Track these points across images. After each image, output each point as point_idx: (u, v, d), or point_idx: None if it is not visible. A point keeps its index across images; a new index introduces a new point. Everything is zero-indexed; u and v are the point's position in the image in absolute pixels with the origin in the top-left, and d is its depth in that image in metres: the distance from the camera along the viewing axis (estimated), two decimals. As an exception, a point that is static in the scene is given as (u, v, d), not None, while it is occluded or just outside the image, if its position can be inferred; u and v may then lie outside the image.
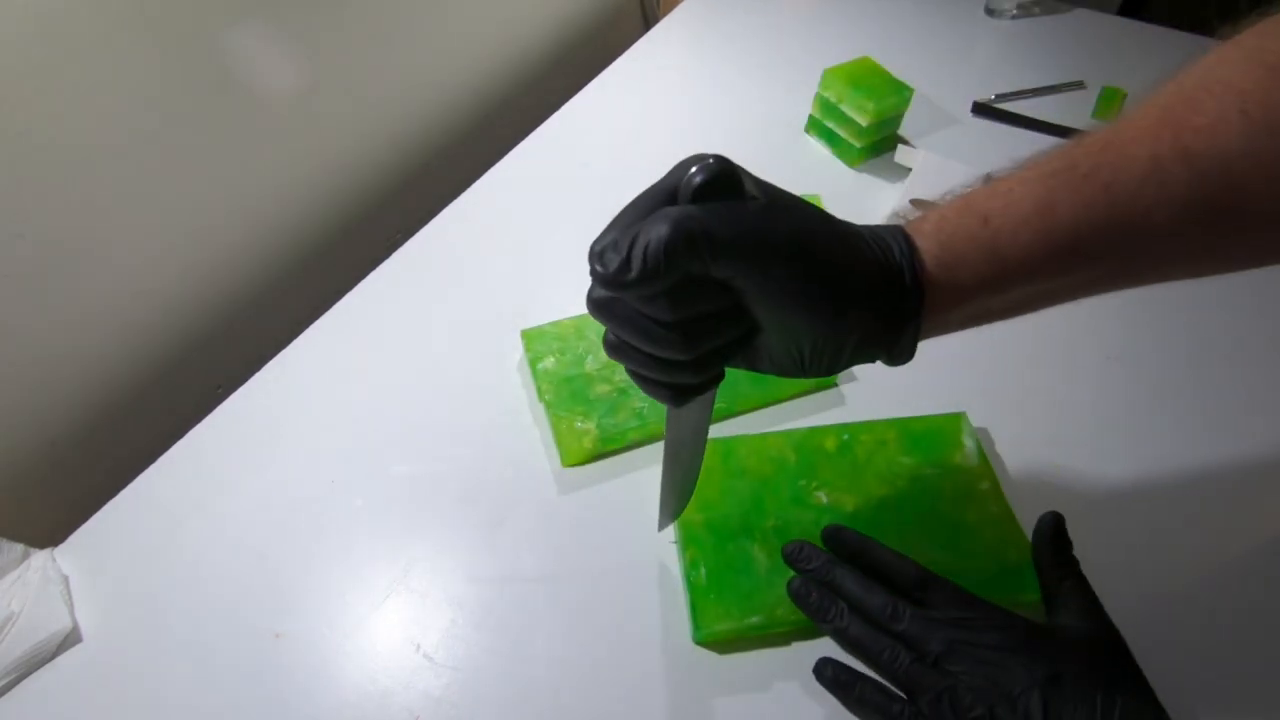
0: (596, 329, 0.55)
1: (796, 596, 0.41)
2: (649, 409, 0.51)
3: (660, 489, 0.42)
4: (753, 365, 0.32)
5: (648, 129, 0.75)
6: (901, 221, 0.32)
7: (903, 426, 0.49)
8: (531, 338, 0.55)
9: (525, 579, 0.45)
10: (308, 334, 0.58)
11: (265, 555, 0.46)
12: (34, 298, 0.49)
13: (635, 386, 0.51)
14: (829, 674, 0.40)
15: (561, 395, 0.52)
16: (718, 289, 0.28)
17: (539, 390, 0.53)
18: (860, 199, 0.68)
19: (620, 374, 0.53)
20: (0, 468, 0.52)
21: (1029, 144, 0.74)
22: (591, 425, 0.50)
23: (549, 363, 0.53)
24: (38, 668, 0.42)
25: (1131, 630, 0.38)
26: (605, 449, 0.50)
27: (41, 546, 0.46)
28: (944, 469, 0.47)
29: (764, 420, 0.53)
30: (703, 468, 0.47)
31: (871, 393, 0.54)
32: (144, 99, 0.50)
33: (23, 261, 0.48)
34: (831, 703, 0.40)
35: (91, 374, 0.55)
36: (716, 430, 0.51)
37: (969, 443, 0.49)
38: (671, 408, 0.33)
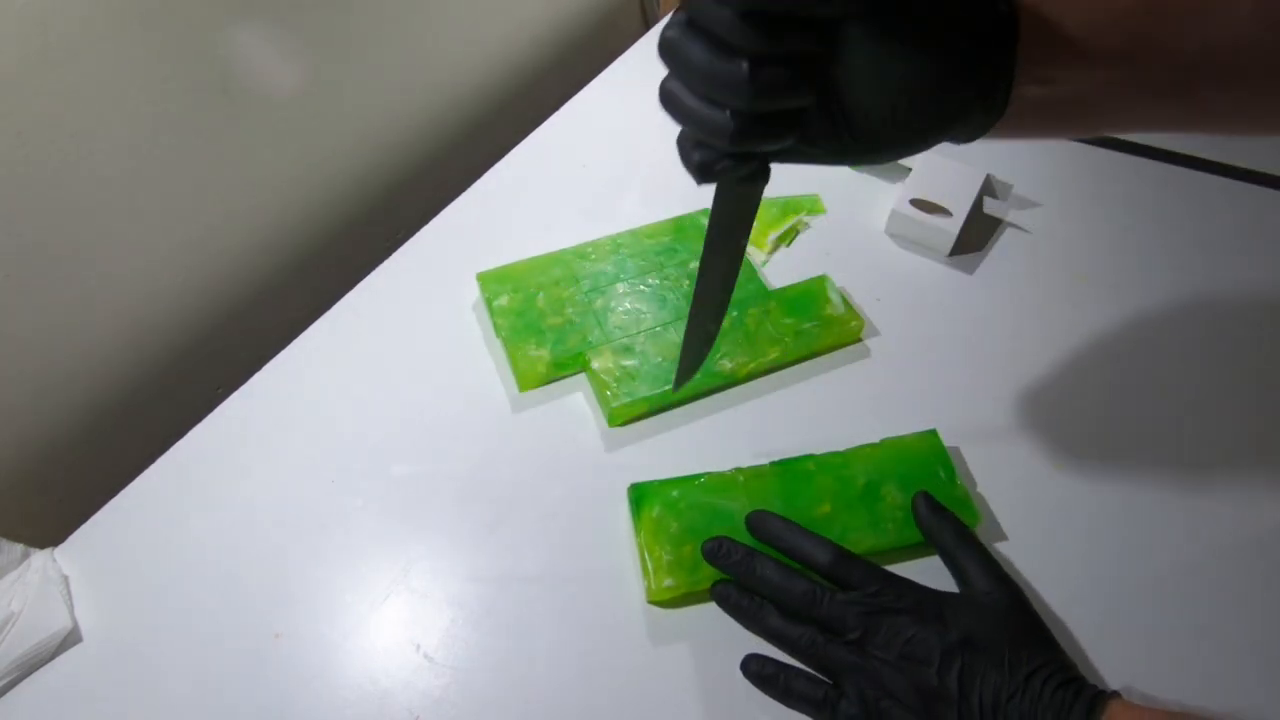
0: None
1: (720, 600, 0.43)
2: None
3: (683, 339, 0.40)
4: (824, 141, 0.29)
5: (648, 129, 0.75)
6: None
7: (780, 296, 0.57)
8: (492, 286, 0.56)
9: (525, 578, 0.45)
10: (308, 334, 0.58)
11: (265, 555, 0.46)
12: (34, 298, 0.49)
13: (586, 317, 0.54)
14: (753, 669, 0.41)
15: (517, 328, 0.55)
16: (811, 27, 0.24)
17: (495, 327, 0.56)
18: (860, 199, 0.68)
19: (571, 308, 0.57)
20: (0, 468, 0.52)
21: (1028, 144, 0.74)
22: (545, 352, 0.54)
23: (503, 301, 0.57)
24: (38, 668, 0.42)
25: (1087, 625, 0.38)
26: (559, 374, 0.55)
27: (41, 546, 0.46)
28: (820, 321, 0.55)
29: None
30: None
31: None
32: (144, 99, 0.50)
33: (23, 262, 0.48)
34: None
35: (92, 374, 0.55)
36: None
37: (835, 297, 0.56)
38: (718, 189, 0.30)
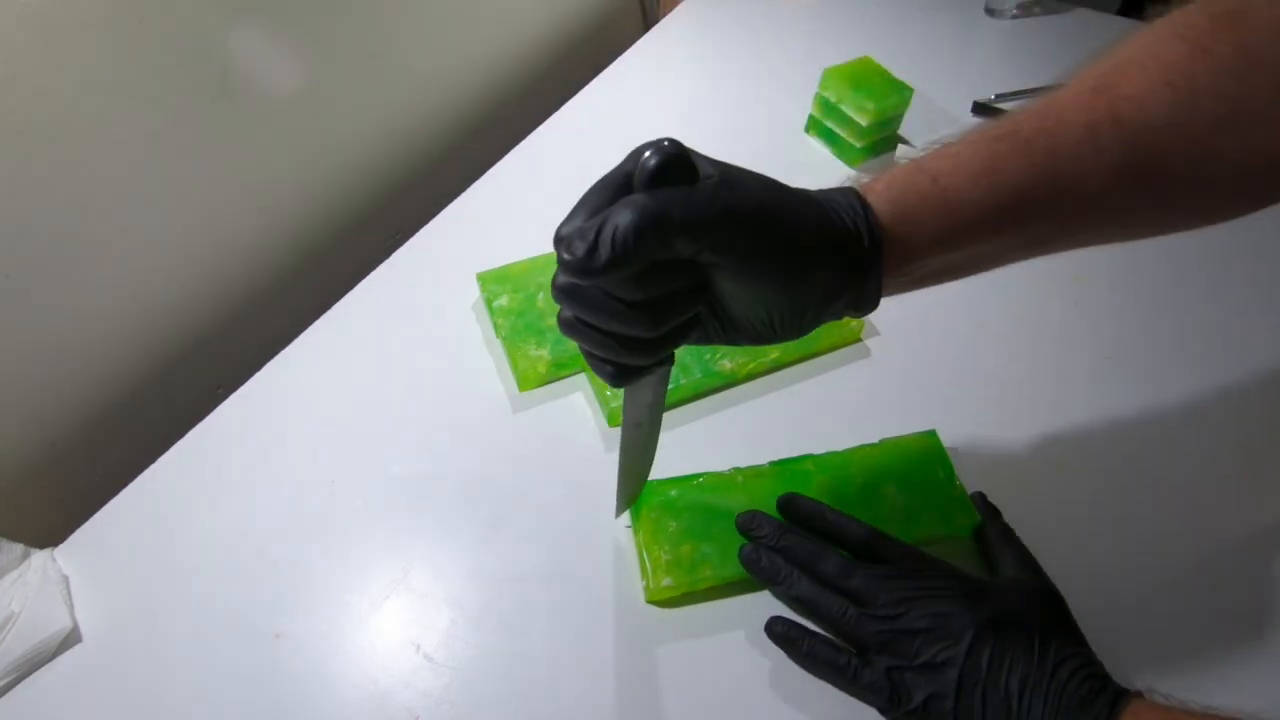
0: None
1: (747, 562, 0.43)
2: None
3: (617, 475, 0.43)
4: (720, 338, 0.33)
5: (648, 129, 0.75)
6: (853, 184, 0.32)
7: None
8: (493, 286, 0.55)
9: (525, 578, 0.45)
10: (308, 334, 0.58)
11: (265, 555, 0.46)
12: (34, 298, 0.49)
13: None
14: (779, 630, 0.41)
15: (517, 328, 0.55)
16: (683, 267, 0.29)
17: (495, 327, 0.56)
18: (860, 199, 0.68)
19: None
20: (0, 468, 0.52)
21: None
22: (545, 352, 0.54)
23: (503, 301, 0.57)
24: (38, 668, 0.42)
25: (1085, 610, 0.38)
26: (558, 374, 0.54)
27: (41, 546, 0.46)
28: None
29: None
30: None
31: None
32: (144, 99, 0.50)
33: (22, 261, 0.48)
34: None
35: (91, 374, 0.55)
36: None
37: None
38: (623, 388, 0.34)
